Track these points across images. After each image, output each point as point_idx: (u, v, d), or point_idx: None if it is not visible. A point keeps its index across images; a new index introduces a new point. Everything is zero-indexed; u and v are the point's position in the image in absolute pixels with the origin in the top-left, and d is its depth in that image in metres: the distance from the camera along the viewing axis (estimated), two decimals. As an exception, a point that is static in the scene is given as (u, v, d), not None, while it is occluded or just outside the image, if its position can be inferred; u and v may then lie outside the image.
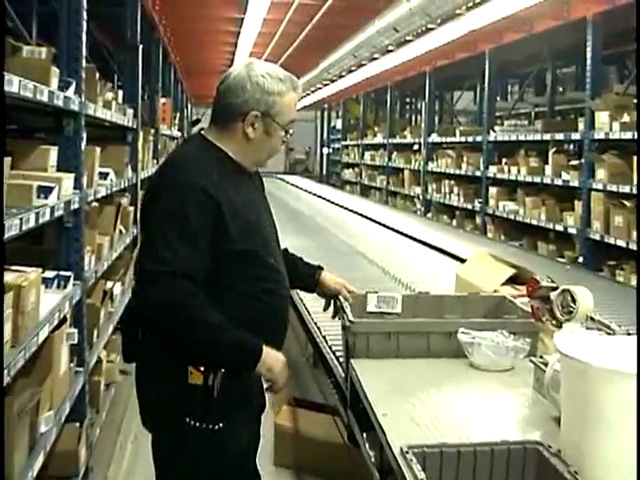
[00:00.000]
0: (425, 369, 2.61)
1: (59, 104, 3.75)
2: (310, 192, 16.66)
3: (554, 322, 2.68)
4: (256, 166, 2.71)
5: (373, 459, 2.47)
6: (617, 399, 1.78)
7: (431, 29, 9.38)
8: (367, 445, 2.41)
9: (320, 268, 3.16)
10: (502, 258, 4.19)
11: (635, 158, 7.11)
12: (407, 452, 1.89)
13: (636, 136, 6.98)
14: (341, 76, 15.59)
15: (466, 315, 3.12)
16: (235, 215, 2.51)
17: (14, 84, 2.90)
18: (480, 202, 11.22)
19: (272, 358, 2.53)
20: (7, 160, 2.85)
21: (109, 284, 5.58)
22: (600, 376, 1.79)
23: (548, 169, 9.17)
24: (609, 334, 2.53)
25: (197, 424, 2.47)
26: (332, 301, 3.14)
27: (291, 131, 2.67)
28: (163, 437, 2.61)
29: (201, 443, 2.50)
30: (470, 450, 1.96)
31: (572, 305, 2.62)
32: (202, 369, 2.45)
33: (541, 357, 2.55)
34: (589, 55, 8.17)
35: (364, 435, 2.48)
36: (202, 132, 2.69)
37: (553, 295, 2.70)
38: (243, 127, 2.56)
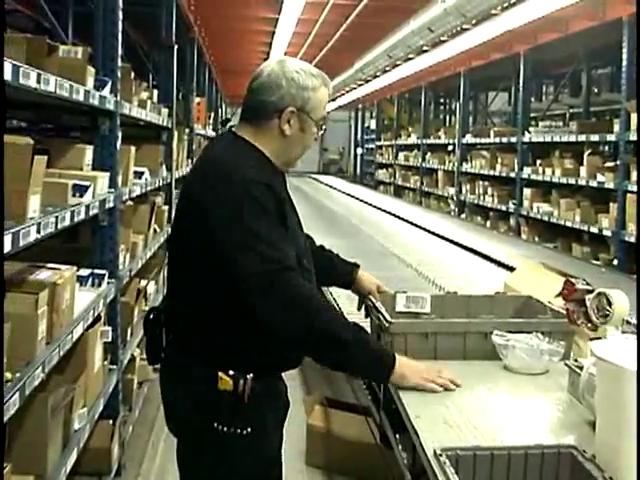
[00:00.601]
0: (459, 371, 2.58)
1: (95, 103, 3.78)
2: (343, 192, 16.67)
3: (589, 325, 2.65)
4: (287, 166, 2.66)
5: (405, 461, 2.46)
6: (653, 404, 1.76)
7: (466, 29, 9.35)
8: (400, 446, 2.39)
9: (357, 266, 3.15)
10: (553, 267, 4.13)
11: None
12: (440, 455, 1.87)
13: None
14: (376, 76, 15.58)
15: (495, 315, 3.09)
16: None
17: (50, 83, 2.93)
18: (514, 203, 11.18)
19: (404, 365, 2.50)
20: (42, 158, 2.86)
21: (143, 283, 5.61)
22: (635, 380, 1.76)
23: (583, 171, 9.12)
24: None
25: (226, 429, 2.43)
26: (364, 300, 3.13)
27: (324, 127, 2.65)
28: (190, 442, 2.57)
29: (230, 448, 2.47)
30: (504, 453, 1.94)
31: (608, 308, 2.59)
32: (231, 374, 2.41)
33: (576, 360, 2.52)
34: (625, 56, 8.11)
35: (397, 436, 2.47)
36: (233, 130, 2.65)
37: (588, 298, 2.67)
38: (279, 124, 2.53)
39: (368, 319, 3.14)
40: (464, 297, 3.35)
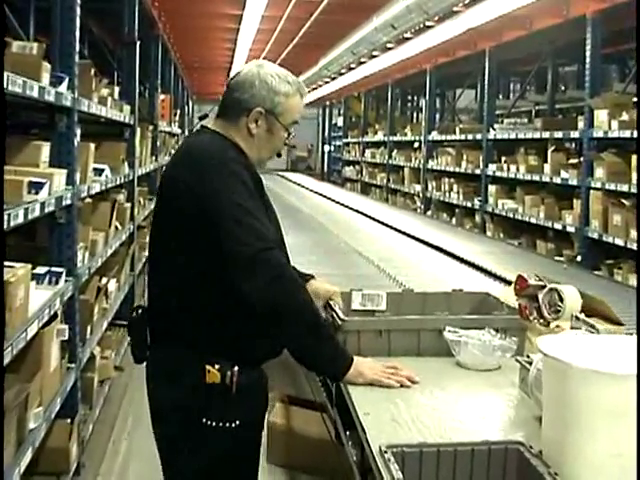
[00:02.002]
0: (413, 368, 2.58)
1: (50, 100, 3.75)
2: (311, 190, 16.63)
3: (542, 321, 2.67)
4: (258, 165, 2.71)
5: (355, 458, 2.46)
6: (597, 400, 1.76)
7: (430, 27, 9.38)
8: (350, 443, 2.39)
9: (311, 277, 3.12)
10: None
11: (634, 157, 7.10)
12: (385, 451, 1.87)
13: (635, 135, 6.97)
14: (341, 73, 15.60)
15: (451, 312, 3.10)
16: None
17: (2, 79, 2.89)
18: (480, 200, 11.22)
19: (361, 364, 2.54)
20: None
21: (104, 280, 5.57)
22: (580, 376, 1.77)
23: (547, 167, 9.16)
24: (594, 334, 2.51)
25: (214, 424, 2.47)
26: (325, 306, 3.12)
27: (293, 132, 2.71)
28: (178, 439, 2.57)
29: (219, 442, 2.49)
30: (450, 450, 1.95)
31: (559, 304, 2.61)
32: (218, 367, 2.45)
33: (528, 357, 2.53)
34: (588, 53, 8.16)
35: (347, 433, 2.47)
36: (209, 126, 2.70)
37: (541, 294, 2.68)
38: (247, 122, 2.60)
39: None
40: (421, 294, 3.35)
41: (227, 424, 2.47)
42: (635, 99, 7.87)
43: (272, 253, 2.39)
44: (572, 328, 2.43)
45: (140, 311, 2.67)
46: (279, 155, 2.77)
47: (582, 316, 2.51)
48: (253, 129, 2.61)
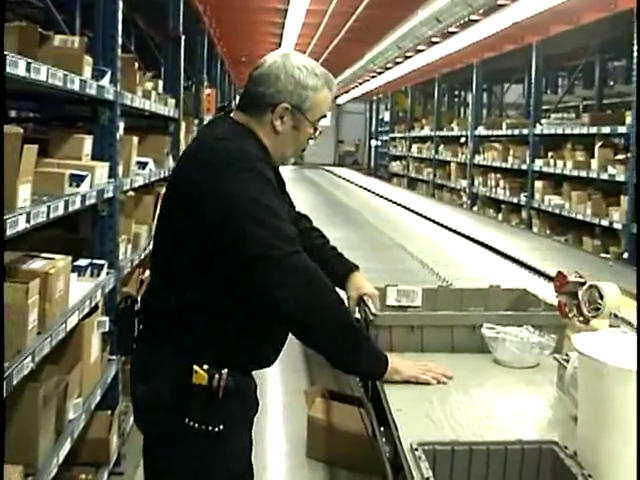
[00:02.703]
0: (448, 364, 2.55)
1: (92, 93, 3.76)
2: (357, 185, 16.62)
3: (581, 318, 2.62)
4: (280, 162, 2.58)
5: (388, 454, 2.44)
6: (632, 400, 1.72)
7: (475, 21, 9.30)
8: (383, 440, 2.37)
9: (355, 267, 3.00)
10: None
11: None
12: (416, 449, 1.85)
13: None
14: (387, 68, 15.55)
15: (488, 309, 3.06)
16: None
17: (42, 72, 2.91)
18: (526, 196, 11.12)
19: (396, 362, 2.48)
20: (32, 148, 2.85)
21: (147, 273, 5.60)
22: (615, 375, 1.73)
23: (594, 163, 9.04)
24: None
25: (197, 425, 2.35)
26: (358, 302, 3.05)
27: (320, 129, 2.56)
28: (159, 440, 2.48)
29: (201, 446, 2.39)
30: (483, 449, 1.92)
31: (599, 301, 2.56)
32: (206, 368, 2.34)
33: (566, 354, 2.49)
34: (636, 47, 8.01)
35: (381, 429, 2.45)
36: (231, 115, 2.56)
37: (580, 291, 2.63)
38: (272, 118, 2.45)
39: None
40: (457, 290, 3.32)
41: (210, 427, 2.36)
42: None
43: (301, 257, 2.29)
44: (610, 326, 2.39)
45: (130, 301, 2.56)
46: (303, 151, 2.65)
47: (621, 314, 2.46)
48: (278, 126, 2.45)
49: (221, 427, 2.37)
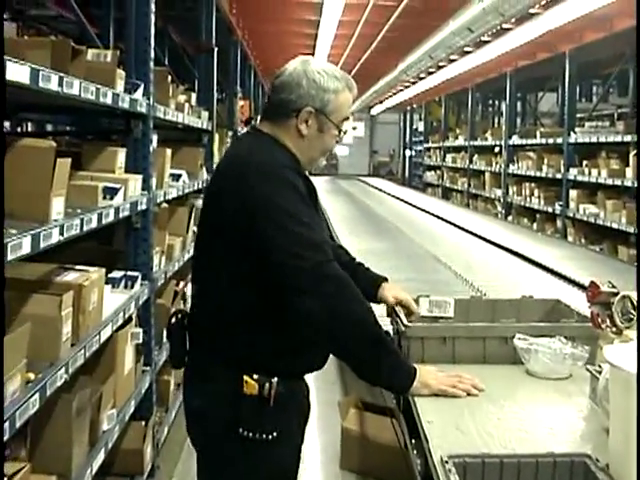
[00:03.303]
0: (479, 375, 2.53)
1: (125, 106, 3.80)
2: (392, 195, 16.63)
3: (614, 329, 2.59)
4: (307, 166, 2.62)
5: (419, 467, 2.43)
6: (664, 412, 1.70)
7: (508, 29, 9.26)
8: (415, 452, 2.36)
9: (383, 280, 3.01)
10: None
11: None
12: (447, 462, 1.84)
13: None
14: (421, 78, 15.53)
15: (521, 320, 3.04)
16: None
17: (74, 86, 2.95)
18: (561, 205, 11.04)
19: (425, 374, 2.47)
20: (66, 161, 2.89)
21: (182, 284, 5.63)
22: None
23: (629, 171, 8.95)
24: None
25: (251, 434, 2.39)
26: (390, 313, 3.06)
27: (344, 129, 2.62)
28: (214, 451, 2.52)
29: (255, 454, 2.43)
30: (514, 461, 1.90)
31: (632, 312, 2.53)
32: (256, 377, 2.38)
33: (599, 366, 2.46)
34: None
35: (412, 441, 2.44)
36: (257, 127, 2.63)
37: (613, 301, 2.61)
38: (297, 123, 2.52)
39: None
40: (489, 301, 3.30)
41: (264, 435, 2.40)
42: None
43: (331, 266, 2.33)
44: (643, 337, 2.36)
45: (180, 316, 2.62)
46: (331, 153, 2.69)
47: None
48: (303, 130, 2.52)
49: (274, 434, 2.41)
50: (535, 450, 2.01)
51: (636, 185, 7.00)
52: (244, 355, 2.44)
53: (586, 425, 2.28)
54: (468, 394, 2.45)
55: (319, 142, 2.57)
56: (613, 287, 2.68)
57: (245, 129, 2.73)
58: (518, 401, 2.45)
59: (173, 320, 2.64)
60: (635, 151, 8.95)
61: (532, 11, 7.62)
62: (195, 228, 6.00)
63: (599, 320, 2.65)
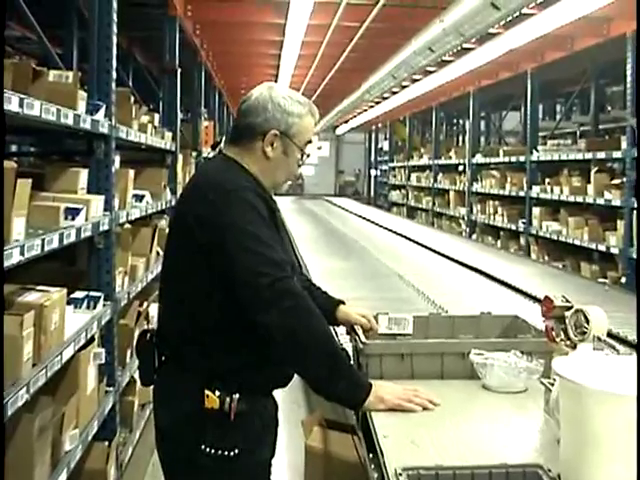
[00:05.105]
0: (436, 391, 2.57)
1: (86, 127, 3.82)
2: (357, 214, 16.70)
3: (568, 343, 2.64)
4: (273, 188, 2.70)
5: (376, 481, 2.45)
6: (611, 421, 1.75)
7: (470, 49, 9.38)
8: (372, 466, 2.39)
9: (340, 302, 3.08)
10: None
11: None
12: (400, 474, 1.88)
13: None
14: (385, 98, 15.64)
15: (480, 336, 3.09)
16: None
17: (35, 108, 2.97)
18: (524, 222, 11.17)
19: (380, 389, 2.50)
20: (26, 182, 2.90)
21: (145, 305, 5.62)
22: (593, 398, 1.76)
23: (590, 188, 9.10)
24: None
25: (213, 451, 2.42)
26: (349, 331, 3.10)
27: (307, 153, 2.70)
28: (178, 466, 2.55)
29: (221, 471, 2.45)
30: (467, 473, 1.94)
31: (585, 325, 2.58)
32: (218, 393, 2.42)
33: (553, 379, 2.50)
34: (629, 72, 8.10)
35: (370, 456, 2.47)
36: (223, 152, 2.70)
37: (567, 315, 2.66)
38: (262, 146, 2.60)
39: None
40: (448, 317, 3.35)
41: (225, 452, 2.43)
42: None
43: (288, 282, 2.39)
44: (594, 349, 2.41)
45: (148, 335, 2.66)
46: (297, 178, 2.75)
47: (604, 337, 2.49)
48: (269, 152, 2.60)
49: (236, 451, 2.44)
50: (489, 462, 2.04)
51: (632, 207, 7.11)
52: (208, 371, 2.47)
53: (540, 437, 2.32)
54: (424, 408, 2.49)
55: (284, 164, 2.65)
56: (567, 301, 2.73)
57: (211, 153, 2.82)
58: (474, 415, 2.49)
59: (141, 341, 2.68)
60: (596, 168, 9.10)
61: (492, 31, 7.72)
62: (159, 249, 6.01)
63: (553, 334, 2.70)
